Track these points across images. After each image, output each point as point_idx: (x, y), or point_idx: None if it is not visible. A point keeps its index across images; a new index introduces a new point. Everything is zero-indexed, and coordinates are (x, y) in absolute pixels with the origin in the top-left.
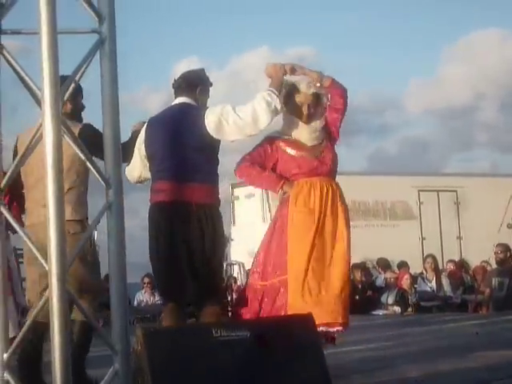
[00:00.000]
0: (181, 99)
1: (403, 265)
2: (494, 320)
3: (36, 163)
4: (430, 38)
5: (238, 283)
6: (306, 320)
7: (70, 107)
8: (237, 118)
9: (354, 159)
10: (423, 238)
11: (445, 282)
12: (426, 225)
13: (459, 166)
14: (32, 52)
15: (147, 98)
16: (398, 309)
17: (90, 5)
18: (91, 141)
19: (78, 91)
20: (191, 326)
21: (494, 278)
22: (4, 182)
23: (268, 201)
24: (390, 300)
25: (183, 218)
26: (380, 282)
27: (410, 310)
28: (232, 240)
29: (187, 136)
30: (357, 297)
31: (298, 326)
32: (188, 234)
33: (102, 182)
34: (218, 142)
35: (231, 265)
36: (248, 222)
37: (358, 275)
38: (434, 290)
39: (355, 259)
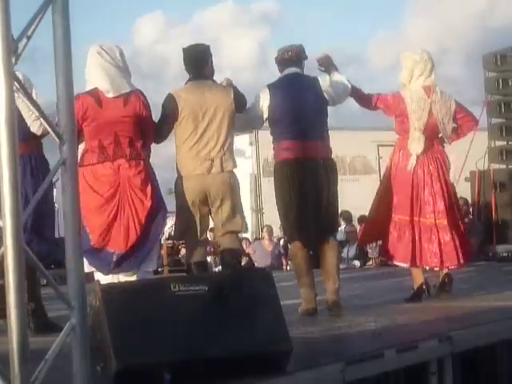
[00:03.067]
0: (293, 69)
1: (363, 219)
2: (453, 273)
3: (194, 120)
4: None
5: None
6: (264, 274)
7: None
8: (342, 86)
9: None
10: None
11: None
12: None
13: None
14: None
15: None
16: (357, 263)
17: None
18: (241, 101)
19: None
20: (149, 281)
21: None
22: None
23: None
24: (351, 254)
25: (313, 170)
26: (340, 235)
27: (370, 263)
28: None
29: (310, 101)
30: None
31: (255, 280)
32: (317, 183)
33: (56, 138)
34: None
35: None
36: None
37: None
38: None
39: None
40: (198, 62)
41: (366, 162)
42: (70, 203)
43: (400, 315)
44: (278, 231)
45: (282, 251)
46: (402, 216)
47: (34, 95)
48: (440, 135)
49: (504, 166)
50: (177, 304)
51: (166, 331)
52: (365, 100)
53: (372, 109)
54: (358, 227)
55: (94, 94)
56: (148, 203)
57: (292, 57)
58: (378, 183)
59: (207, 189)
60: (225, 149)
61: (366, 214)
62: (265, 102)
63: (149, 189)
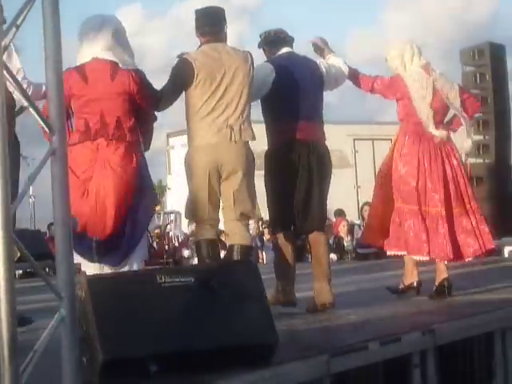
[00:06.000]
0: (289, 49)
1: (340, 213)
2: (433, 267)
3: (211, 84)
4: None
5: (171, 233)
6: (250, 266)
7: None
8: (340, 70)
9: None
10: (358, 187)
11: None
12: (361, 173)
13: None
14: None
15: None
16: (334, 256)
17: None
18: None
19: None
20: (135, 272)
21: None
22: None
23: None
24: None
25: (321, 154)
26: None
27: (347, 257)
28: (169, 189)
29: (314, 81)
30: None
31: (242, 273)
32: (325, 168)
33: (46, 128)
34: None
35: (168, 214)
36: (184, 171)
37: None
38: None
39: None
40: (217, 22)
41: (341, 155)
42: (60, 194)
43: (381, 308)
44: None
45: (259, 244)
46: (409, 205)
47: (15, 67)
48: (446, 120)
49: (481, 161)
50: (163, 296)
51: (152, 323)
52: (362, 81)
53: (369, 91)
54: (333, 220)
55: (81, 68)
56: (129, 179)
57: (286, 37)
58: (354, 177)
59: (221, 159)
60: (243, 116)
61: (342, 207)
62: (269, 76)
63: (129, 165)
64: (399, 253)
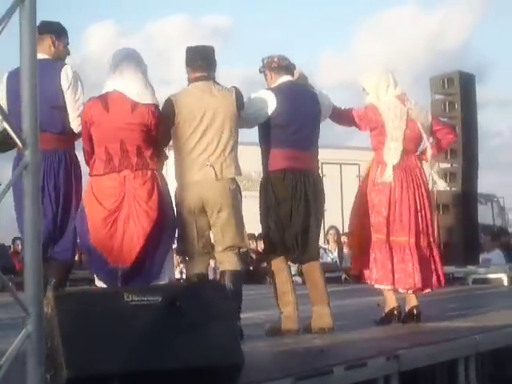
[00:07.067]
0: (289, 78)
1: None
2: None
3: (191, 123)
4: (346, 11)
5: None
6: (219, 287)
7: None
8: (328, 103)
9: None
10: (325, 210)
11: (347, 253)
12: (328, 197)
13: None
14: None
15: None
16: (299, 279)
17: None
18: (241, 102)
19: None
20: (103, 290)
21: None
22: None
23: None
24: (292, 270)
25: (310, 182)
26: None
27: None
28: None
29: (313, 111)
30: (251, 268)
31: (210, 292)
32: (311, 196)
33: (19, 143)
34: None
35: None
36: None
37: (253, 245)
38: (336, 262)
39: (252, 229)
40: (207, 58)
41: None
42: (31, 208)
43: (346, 333)
44: None
45: None
46: (380, 235)
47: (78, 93)
48: (420, 149)
49: (447, 188)
50: (130, 314)
51: (118, 341)
52: (342, 117)
53: (353, 124)
54: None
55: (103, 98)
56: (154, 214)
57: (288, 65)
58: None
59: (205, 197)
60: (225, 154)
61: None
62: (270, 104)
63: (154, 199)
64: (381, 286)
